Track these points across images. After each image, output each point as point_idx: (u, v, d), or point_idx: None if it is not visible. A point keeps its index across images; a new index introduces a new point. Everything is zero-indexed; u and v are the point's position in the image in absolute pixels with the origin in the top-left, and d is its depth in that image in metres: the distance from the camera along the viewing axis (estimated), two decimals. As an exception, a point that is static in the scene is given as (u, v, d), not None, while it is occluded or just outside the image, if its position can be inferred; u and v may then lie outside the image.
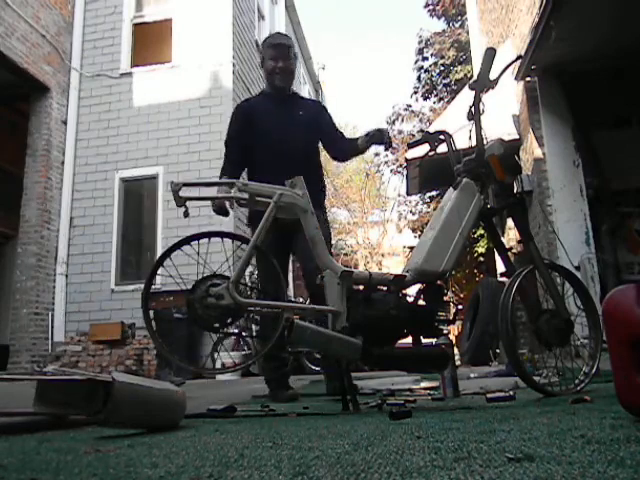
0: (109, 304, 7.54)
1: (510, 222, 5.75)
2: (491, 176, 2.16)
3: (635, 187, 5.89)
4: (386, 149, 2.71)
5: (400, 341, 2.07)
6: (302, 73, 13.85)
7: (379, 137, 2.55)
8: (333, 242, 3.28)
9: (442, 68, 15.21)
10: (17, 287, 7.39)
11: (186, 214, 1.97)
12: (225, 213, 2.59)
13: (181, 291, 2.09)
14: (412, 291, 2.10)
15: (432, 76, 15.61)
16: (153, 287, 2.27)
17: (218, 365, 5.11)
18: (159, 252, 7.29)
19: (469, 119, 2.22)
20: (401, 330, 2.04)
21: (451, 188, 2.18)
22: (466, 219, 2.11)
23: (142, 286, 2.07)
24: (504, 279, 2.26)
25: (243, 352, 6.37)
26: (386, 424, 1.46)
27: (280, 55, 2.87)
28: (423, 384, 3.09)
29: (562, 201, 5.45)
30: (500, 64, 2.27)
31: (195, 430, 1.52)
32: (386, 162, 19.09)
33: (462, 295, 14.27)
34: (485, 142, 2.19)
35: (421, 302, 2.09)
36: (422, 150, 2.63)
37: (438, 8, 16.00)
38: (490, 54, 2.18)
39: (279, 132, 2.83)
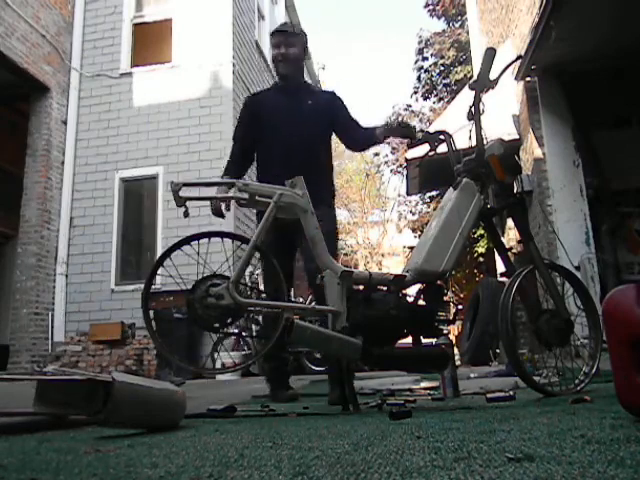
0: (109, 304, 7.54)
1: (510, 222, 5.75)
2: (491, 176, 2.16)
3: (635, 187, 5.89)
4: (410, 146, 2.55)
5: (400, 341, 2.07)
6: (302, 73, 13.82)
7: (401, 132, 2.47)
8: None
9: (442, 68, 15.21)
10: (17, 287, 7.39)
11: (186, 214, 1.97)
12: (221, 215, 2.54)
13: (181, 291, 2.09)
14: (412, 291, 2.10)
15: (432, 76, 15.62)
16: (153, 287, 2.27)
17: (218, 365, 5.11)
18: (159, 252, 7.29)
19: (469, 119, 2.22)
20: (401, 330, 2.04)
21: (451, 188, 2.18)
22: (466, 219, 2.11)
23: (142, 286, 2.07)
24: (504, 279, 2.26)
25: (243, 352, 6.37)
26: (386, 424, 1.46)
27: (281, 42, 2.81)
28: (423, 384, 3.09)
29: (562, 201, 5.46)
30: (500, 64, 2.27)
31: (195, 430, 1.52)
32: (386, 162, 19.11)
33: (462, 295, 14.27)
34: (485, 142, 2.19)
35: (421, 302, 2.09)
36: (422, 150, 2.63)
37: (438, 8, 16.01)
38: (490, 54, 2.18)
39: (286, 125, 2.75)
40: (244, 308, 2.00)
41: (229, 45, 8.22)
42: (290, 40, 2.81)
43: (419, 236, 13.62)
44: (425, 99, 16.12)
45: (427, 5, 16.36)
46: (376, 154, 19.40)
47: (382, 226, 21.41)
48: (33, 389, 1.53)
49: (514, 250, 3.17)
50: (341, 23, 56.30)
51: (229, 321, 2.03)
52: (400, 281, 2.05)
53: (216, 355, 5.40)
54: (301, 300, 5.98)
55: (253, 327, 5.78)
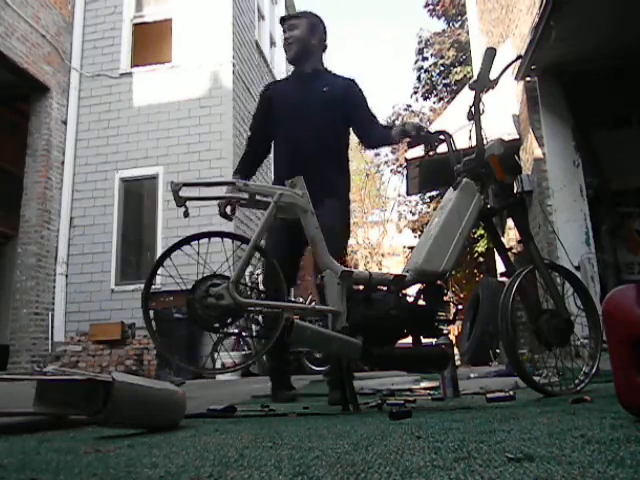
0: (109, 304, 7.54)
1: (510, 222, 5.75)
2: (491, 176, 2.15)
3: (635, 187, 5.89)
4: (427, 153, 2.37)
5: (400, 341, 2.07)
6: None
7: (420, 139, 2.33)
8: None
9: (442, 68, 15.23)
10: (17, 287, 7.39)
11: (186, 214, 1.97)
12: (227, 218, 2.48)
13: (181, 291, 2.09)
14: (412, 291, 2.10)
15: (432, 76, 15.64)
16: (153, 287, 2.27)
17: (218, 365, 5.11)
18: (159, 252, 7.29)
19: (469, 119, 2.21)
20: (401, 330, 2.04)
21: (451, 188, 2.18)
22: (466, 219, 2.11)
23: (142, 286, 2.07)
24: (504, 279, 2.26)
25: (243, 352, 6.38)
26: (386, 424, 1.46)
27: (285, 29, 2.77)
28: (423, 384, 3.09)
29: (562, 201, 5.46)
30: (500, 64, 2.27)
31: (195, 430, 1.52)
32: (386, 162, 19.14)
33: (462, 295, 14.28)
34: (485, 142, 2.19)
35: (421, 302, 2.08)
36: (422, 150, 2.62)
37: (438, 8, 16.03)
38: (490, 54, 2.18)
39: (293, 120, 2.65)
40: (244, 308, 2.00)
41: (229, 45, 8.22)
42: (292, 23, 2.75)
43: (419, 236, 13.63)
44: (425, 99, 16.15)
45: (427, 5, 16.39)
46: (376, 154, 19.41)
47: (382, 226, 21.43)
48: (33, 389, 1.53)
49: (514, 250, 3.17)
50: (341, 23, 56.27)
51: (229, 321, 2.02)
52: (400, 281, 2.05)
53: (216, 355, 5.41)
54: (301, 300, 5.98)
55: (253, 327, 5.78)
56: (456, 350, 5.47)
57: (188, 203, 1.98)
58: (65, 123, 8.21)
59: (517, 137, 6.34)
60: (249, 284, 5.31)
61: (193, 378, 5.33)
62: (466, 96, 2.43)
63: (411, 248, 15.03)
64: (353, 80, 2.74)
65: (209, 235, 2.09)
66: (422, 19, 57.45)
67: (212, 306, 1.92)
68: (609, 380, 1.52)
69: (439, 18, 16.38)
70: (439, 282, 2.09)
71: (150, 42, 8.75)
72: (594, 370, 2.14)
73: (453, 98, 10.79)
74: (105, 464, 0.99)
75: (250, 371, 6.36)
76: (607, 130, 6.07)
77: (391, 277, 2.06)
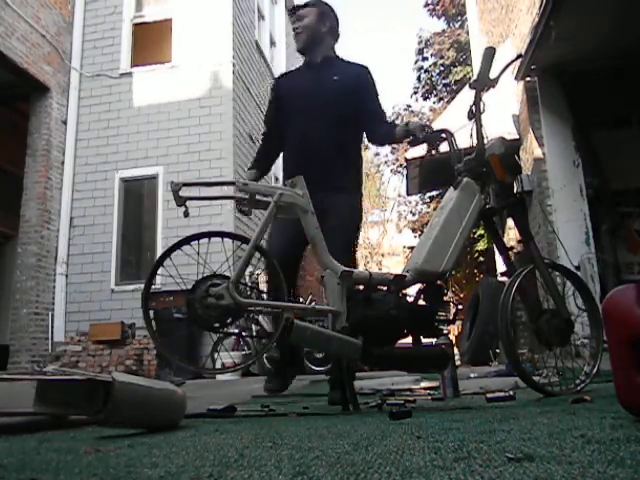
0: (109, 304, 7.54)
1: (510, 222, 5.74)
2: (491, 176, 2.15)
3: (635, 187, 5.89)
4: (429, 152, 2.36)
5: (400, 341, 2.07)
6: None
7: (424, 139, 2.30)
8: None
9: (442, 68, 15.24)
10: (17, 287, 7.39)
11: (186, 214, 1.97)
12: (245, 213, 2.30)
13: (181, 291, 2.09)
14: (412, 291, 2.10)
15: (432, 76, 15.65)
16: (153, 287, 2.26)
17: (218, 365, 5.11)
18: (159, 252, 7.29)
19: (469, 118, 2.21)
20: (401, 330, 2.04)
21: (451, 188, 2.18)
22: (466, 219, 2.10)
23: (142, 286, 2.07)
24: (504, 279, 2.26)
25: (243, 352, 6.37)
26: (386, 424, 1.46)
27: (293, 20, 2.73)
28: (423, 384, 3.08)
29: (562, 201, 5.46)
30: (500, 64, 2.27)
31: (195, 430, 1.51)
32: (386, 162, 19.13)
33: (462, 295, 14.28)
34: (486, 141, 2.19)
35: (421, 302, 2.08)
36: (422, 150, 2.62)
37: (438, 8, 16.03)
38: (490, 53, 2.18)
39: (301, 113, 2.58)
40: (244, 308, 2.00)
41: (229, 45, 8.22)
42: (300, 13, 2.70)
43: (419, 236, 13.63)
44: (425, 99, 16.17)
45: (427, 5, 16.40)
46: (376, 154, 19.41)
47: (382, 226, 21.42)
48: (33, 389, 1.53)
49: (514, 250, 3.17)
50: (341, 23, 56.18)
51: (229, 321, 2.02)
52: (400, 281, 2.05)
53: (216, 355, 5.40)
54: (301, 300, 5.98)
55: (253, 327, 5.78)
56: (456, 350, 5.48)
57: (188, 203, 1.98)
58: (65, 123, 8.21)
59: (517, 137, 6.34)
60: (249, 284, 5.31)
61: (193, 378, 5.33)
62: (466, 96, 2.44)
63: (411, 248, 15.02)
64: (366, 68, 2.64)
65: (209, 235, 2.08)
66: (422, 19, 57.46)
67: (212, 306, 1.92)
68: (609, 380, 1.52)
69: (439, 18, 16.40)
70: (439, 282, 2.09)
71: (150, 42, 8.75)
72: (595, 370, 2.13)
73: (453, 98, 10.80)
74: (105, 464, 0.99)
75: (250, 371, 6.36)
76: (607, 130, 6.07)
77: (391, 277, 2.06)
